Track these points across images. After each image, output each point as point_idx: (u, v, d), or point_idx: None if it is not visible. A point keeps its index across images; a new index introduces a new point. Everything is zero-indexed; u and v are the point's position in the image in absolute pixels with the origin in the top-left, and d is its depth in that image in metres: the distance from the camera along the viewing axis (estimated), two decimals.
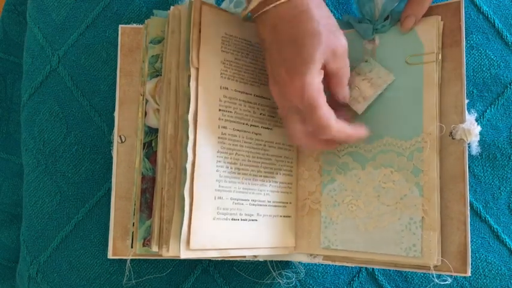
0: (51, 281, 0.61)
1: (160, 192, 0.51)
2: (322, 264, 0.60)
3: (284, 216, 0.55)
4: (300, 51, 0.46)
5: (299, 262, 0.60)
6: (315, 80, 0.46)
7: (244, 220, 0.52)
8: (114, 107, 0.59)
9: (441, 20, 0.51)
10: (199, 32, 0.51)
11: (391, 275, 0.60)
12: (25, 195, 0.64)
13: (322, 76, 0.47)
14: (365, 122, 0.53)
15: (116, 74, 0.60)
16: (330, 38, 0.46)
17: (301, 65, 0.46)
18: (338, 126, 0.48)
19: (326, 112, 0.47)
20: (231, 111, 0.52)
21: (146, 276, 0.61)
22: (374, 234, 0.51)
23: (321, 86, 0.47)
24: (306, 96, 0.46)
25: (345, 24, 0.56)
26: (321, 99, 0.47)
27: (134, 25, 0.61)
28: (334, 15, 0.65)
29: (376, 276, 0.60)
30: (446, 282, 0.52)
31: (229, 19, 0.53)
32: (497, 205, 0.60)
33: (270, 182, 0.54)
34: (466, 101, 0.50)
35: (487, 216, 0.60)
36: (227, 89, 0.52)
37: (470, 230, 0.56)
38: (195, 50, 0.50)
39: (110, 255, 0.57)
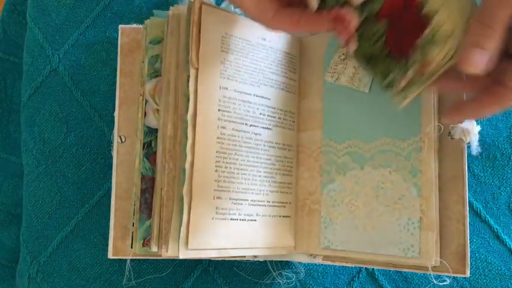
0: (51, 281, 0.61)
1: (159, 192, 0.51)
2: (322, 264, 0.60)
3: (284, 216, 0.55)
4: None
5: (299, 262, 0.60)
6: None
7: (243, 220, 0.52)
8: (114, 107, 0.59)
9: None
10: (199, 31, 0.51)
11: (391, 275, 0.60)
12: (25, 195, 0.64)
13: None
14: (364, 121, 0.53)
15: (116, 74, 0.60)
16: None
17: None
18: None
19: None
20: (230, 112, 0.52)
21: (146, 276, 0.61)
22: (373, 234, 0.51)
23: None
24: None
25: None
26: None
27: (134, 25, 0.61)
28: None
29: (376, 276, 0.60)
30: (445, 283, 0.52)
31: (229, 19, 0.53)
32: (497, 205, 0.60)
33: (269, 182, 0.54)
34: None
35: (487, 216, 0.59)
36: (226, 89, 0.52)
37: (470, 230, 0.56)
38: (194, 50, 0.50)
39: (110, 255, 0.57)
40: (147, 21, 0.57)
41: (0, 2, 0.87)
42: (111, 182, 0.58)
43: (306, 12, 0.44)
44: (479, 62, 0.39)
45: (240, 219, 0.52)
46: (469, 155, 0.58)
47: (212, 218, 0.50)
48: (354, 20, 0.43)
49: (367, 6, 0.43)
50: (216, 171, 0.50)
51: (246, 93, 0.53)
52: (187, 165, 0.49)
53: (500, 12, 0.38)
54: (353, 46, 0.44)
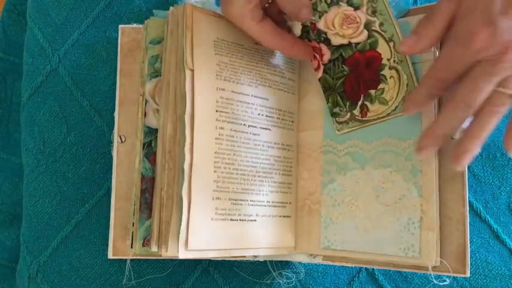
0: (51, 281, 0.61)
1: (159, 192, 0.51)
2: (322, 264, 0.60)
3: (283, 217, 0.55)
4: None
5: (299, 262, 0.60)
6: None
7: (243, 220, 0.52)
8: (114, 107, 0.59)
9: None
10: (192, 35, 0.51)
11: (391, 275, 0.60)
12: (25, 195, 0.64)
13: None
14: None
15: (116, 74, 0.60)
16: None
17: None
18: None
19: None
20: (228, 112, 0.52)
21: (146, 276, 0.61)
22: (373, 234, 0.51)
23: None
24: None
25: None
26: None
27: (134, 25, 0.61)
28: None
29: (376, 276, 0.60)
30: (445, 283, 0.52)
31: (220, 25, 0.53)
32: (497, 205, 0.60)
33: (269, 182, 0.54)
34: None
35: (487, 216, 0.59)
36: (223, 90, 0.52)
37: (470, 230, 0.56)
38: (189, 52, 0.50)
39: (110, 256, 0.57)
40: (147, 21, 0.57)
41: (0, 2, 0.87)
42: (111, 182, 0.58)
43: (297, 40, 0.53)
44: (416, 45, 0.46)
45: (240, 220, 0.52)
46: None
47: (212, 219, 0.50)
48: (327, 54, 0.54)
49: (340, 49, 0.53)
50: (214, 171, 0.50)
51: (243, 94, 0.53)
52: (186, 166, 0.49)
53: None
54: (319, 74, 0.55)
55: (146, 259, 0.61)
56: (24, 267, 0.63)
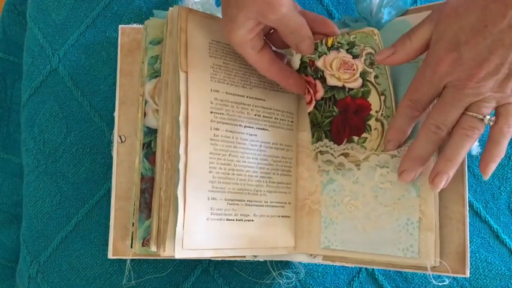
0: (51, 281, 0.61)
1: (158, 192, 0.51)
2: (322, 264, 0.60)
3: (283, 217, 0.55)
4: None
5: (299, 262, 0.60)
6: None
7: (239, 220, 0.52)
8: (114, 107, 0.59)
9: None
10: (186, 37, 0.51)
11: (391, 275, 0.60)
12: (25, 195, 0.64)
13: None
14: None
15: (116, 74, 0.60)
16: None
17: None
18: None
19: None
20: (223, 113, 0.52)
21: (146, 276, 0.61)
22: (372, 234, 0.51)
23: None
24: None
25: (342, 24, 0.56)
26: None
27: (134, 25, 0.61)
28: (334, 15, 0.65)
29: (376, 276, 0.60)
30: (445, 283, 0.52)
31: (216, 26, 0.53)
32: (497, 205, 0.60)
33: (266, 182, 0.54)
34: None
35: (487, 216, 0.59)
36: (218, 91, 0.52)
37: (470, 230, 0.56)
38: (183, 54, 0.50)
39: (110, 255, 0.57)
40: (147, 22, 0.57)
41: (0, 2, 0.87)
42: (111, 182, 0.58)
43: (293, 73, 0.55)
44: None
45: (237, 220, 0.52)
46: (469, 155, 0.58)
47: (207, 219, 0.50)
48: (320, 92, 0.55)
49: (334, 90, 0.54)
50: (210, 172, 0.50)
51: (238, 95, 0.53)
52: (181, 166, 0.49)
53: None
54: (310, 108, 0.56)
55: (146, 259, 0.61)
56: (24, 267, 0.63)
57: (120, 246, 0.57)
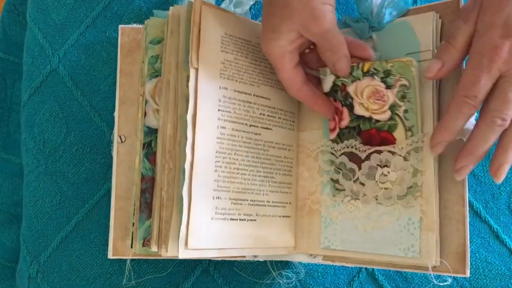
0: (51, 281, 0.61)
1: (159, 192, 0.51)
2: (322, 264, 0.60)
3: (283, 216, 0.55)
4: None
5: (299, 262, 0.60)
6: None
7: (243, 220, 0.52)
8: (114, 107, 0.59)
9: (439, 18, 0.51)
10: (199, 32, 0.51)
11: (391, 275, 0.60)
12: (25, 195, 0.64)
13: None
14: None
15: (116, 74, 0.60)
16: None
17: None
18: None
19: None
20: (230, 112, 0.52)
21: (146, 276, 0.61)
22: (373, 234, 0.51)
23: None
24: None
25: (343, 25, 0.56)
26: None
27: (134, 25, 0.61)
28: None
29: (376, 276, 0.60)
30: (446, 283, 0.52)
31: (229, 19, 0.53)
32: (497, 205, 0.60)
33: (269, 182, 0.54)
34: None
35: (487, 216, 0.59)
36: (226, 89, 0.52)
37: (470, 230, 0.56)
38: (194, 50, 0.50)
39: (110, 255, 0.57)
40: (147, 21, 0.57)
41: (0, 2, 0.87)
42: (111, 182, 0.58)
43: (323, 96, 0.54)
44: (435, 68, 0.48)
45: (240, 219, 0.52)
46: None
47: (212, 218, 0.50)
48: (346, 120, 0.54)
49: (360, 120, 0.53)
50: (215, 171, 0.50)
51: (245, 93, 0.53)
52: (187, 166, 0.48)
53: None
54: (332, 136, 0.55)
55: (146, 259, 0.61)
56: (24, 267, 0.63)
57: (120, 246, 0.57)
